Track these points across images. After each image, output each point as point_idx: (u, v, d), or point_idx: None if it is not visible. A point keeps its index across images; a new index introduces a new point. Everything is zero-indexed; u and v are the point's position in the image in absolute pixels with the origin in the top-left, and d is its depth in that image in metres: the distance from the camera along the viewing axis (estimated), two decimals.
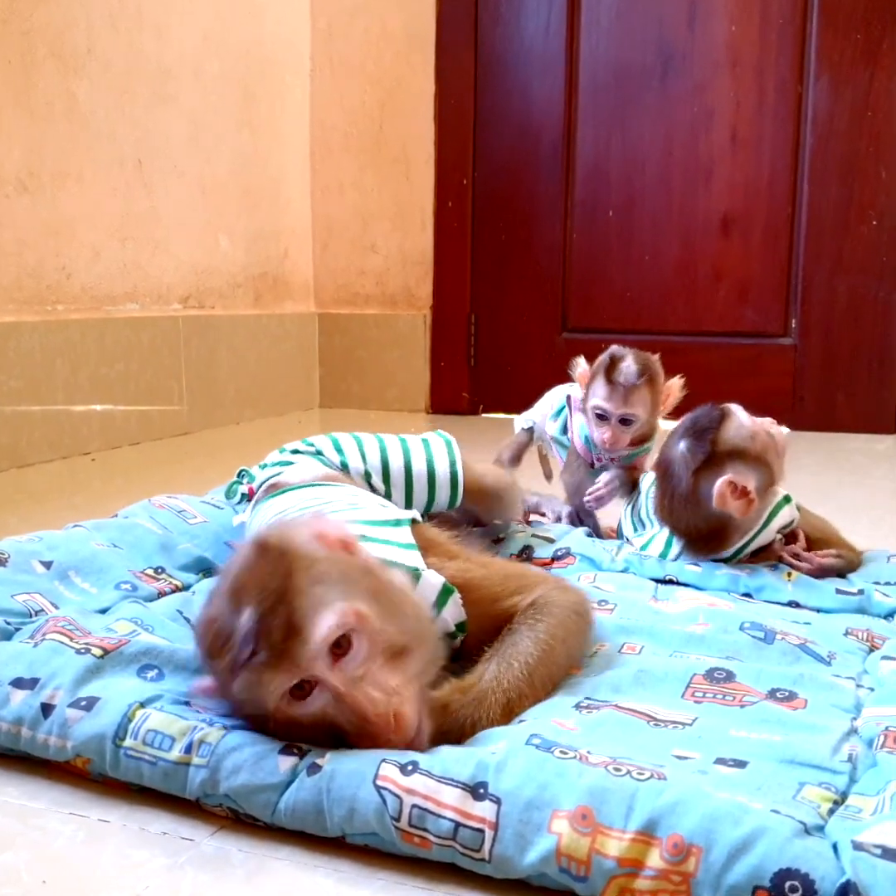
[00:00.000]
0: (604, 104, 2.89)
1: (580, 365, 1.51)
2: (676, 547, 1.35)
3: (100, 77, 2.28)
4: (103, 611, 1.07)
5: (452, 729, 0.83)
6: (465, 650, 0.97)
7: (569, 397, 1.56)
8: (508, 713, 0.86)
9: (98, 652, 0.90)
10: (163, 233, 2.51)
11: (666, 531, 1.37)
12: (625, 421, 1.45)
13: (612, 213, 2.91)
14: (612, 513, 1.53)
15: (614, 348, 1.47)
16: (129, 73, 2.37)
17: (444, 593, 0.94)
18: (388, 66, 3.02)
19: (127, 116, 2.37)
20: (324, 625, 0.76)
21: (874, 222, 2.70)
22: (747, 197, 2.81)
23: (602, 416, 1.45)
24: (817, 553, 1.32)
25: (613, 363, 1.44)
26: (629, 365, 1.43)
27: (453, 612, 0.95)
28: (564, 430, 1.57)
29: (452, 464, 1.35)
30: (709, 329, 2.87)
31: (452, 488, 1.35)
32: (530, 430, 1.64)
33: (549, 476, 1.69)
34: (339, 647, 0.77)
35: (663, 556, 1.36)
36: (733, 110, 2.79)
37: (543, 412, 1.63)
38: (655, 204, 2.87)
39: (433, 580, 0.94)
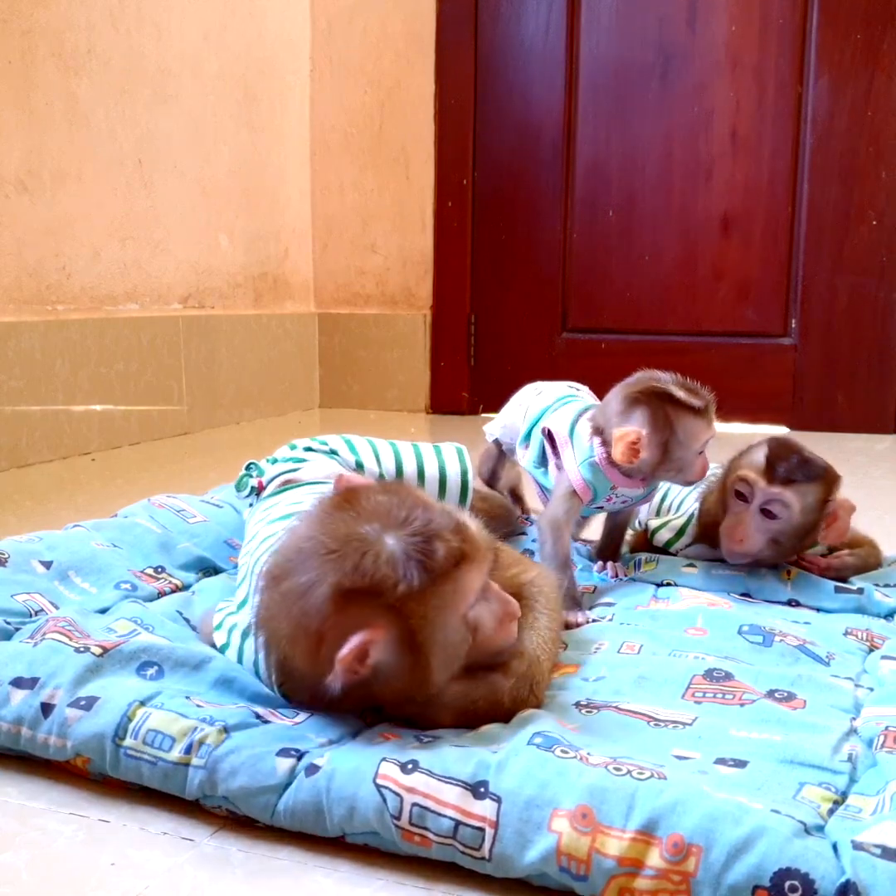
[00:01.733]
0: (604, 104, 2.89)
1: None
2: (688, 537, 1.35)
3: (100, 77, 2.28)
4: (103, 611, 1.07)
5: (521, 688, 0.87)
6: None
7: (548, 432, 1.34)
8: (550, 676, 0.93)
9: (97, 651, 0.90)
10: (163, 232, 2.51)
11: (683, 518, 1.37)
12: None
13: (612, 212, 2.91)
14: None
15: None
16: (130, 73, 2.37)
17: None
18: (388, 67, 3.02)
19: (127, 116, 2.37)
20: (475, 523, 0.83)
21: (874, 222, 2.70)
22: (747, 197, 2.81)
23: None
24: (832, 555, 1.33)
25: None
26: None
27: None
28: (542, 462, 1.35)
29: (464, 472, 1.36)
30: (709, 329, 2.87)
31: (462, 495, 1.35)
32: (498, 442, 1.49)
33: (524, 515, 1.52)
34: None
35: (670, 544, 1.36)
36: (733, 110, 2.79)
37: (509, 424, 1.44)
38: (655, 204, 2.87)
39: None
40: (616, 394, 1.29)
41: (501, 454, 1.50)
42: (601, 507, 1.34)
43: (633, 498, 1.32)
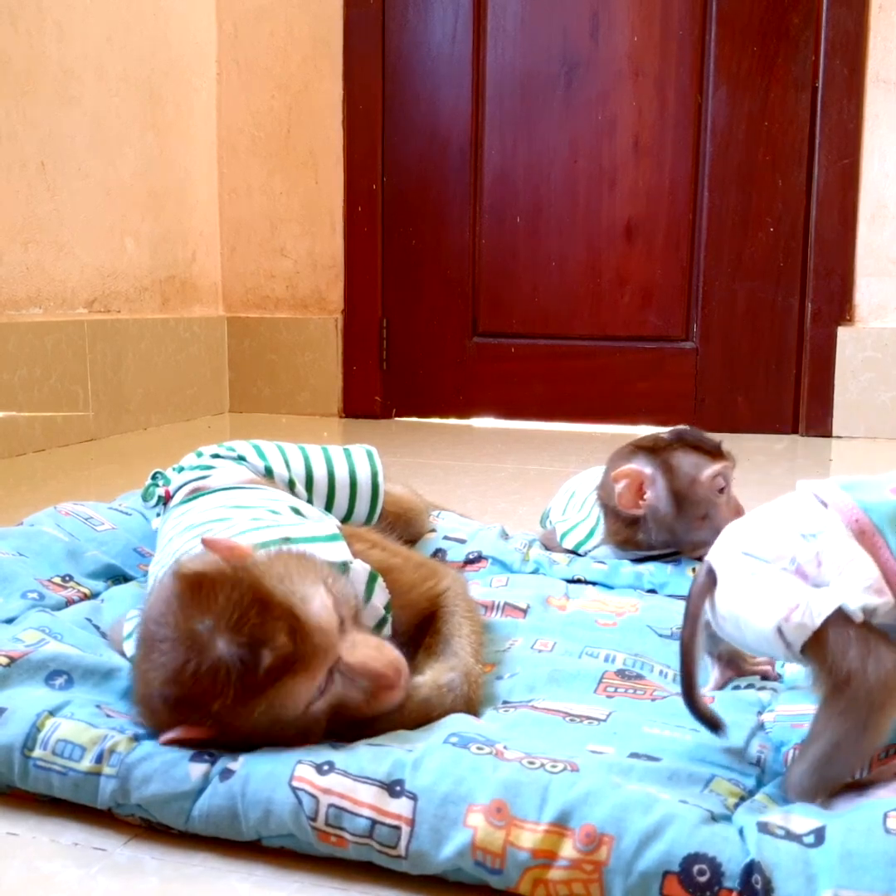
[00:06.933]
0: (510, 111, 2.92)
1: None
2: (596, 538, 1.38)
3: None
4: (9, 620, 1.05)
5: (456, 699, 0.88)
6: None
7: None
8: (483, 679, 0.94)
9: (4, 660, 0.88)
10: (67, 236, 2.46)
11: (590, 521, 1.39)
12: None
13: (520, 219, 2.95)
14: None
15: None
16: (31, 74, 2.32)
17: (372, 580, 0.97)
18: (296, 70, 3.01)
19: (28, 118, 2.32)
20: (323, 612, 0.78)
21: (771, 228, 2.79)
22: (649, 203, 2.87)
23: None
24: None
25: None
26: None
27: (380, 596, 0.98)
28: None
29: (374, 475, 1.36)
30: (613, 333, 2.92)
31: (373, 498, 1.35)
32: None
33: None
34: None
35: (580, 544, 1.39)
36: (636, 118, 2.85)
37: None
38: (561, 210, 2.92)
39: (360, 569, 0.97)
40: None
41: None
42: None
43: None
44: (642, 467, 1.30)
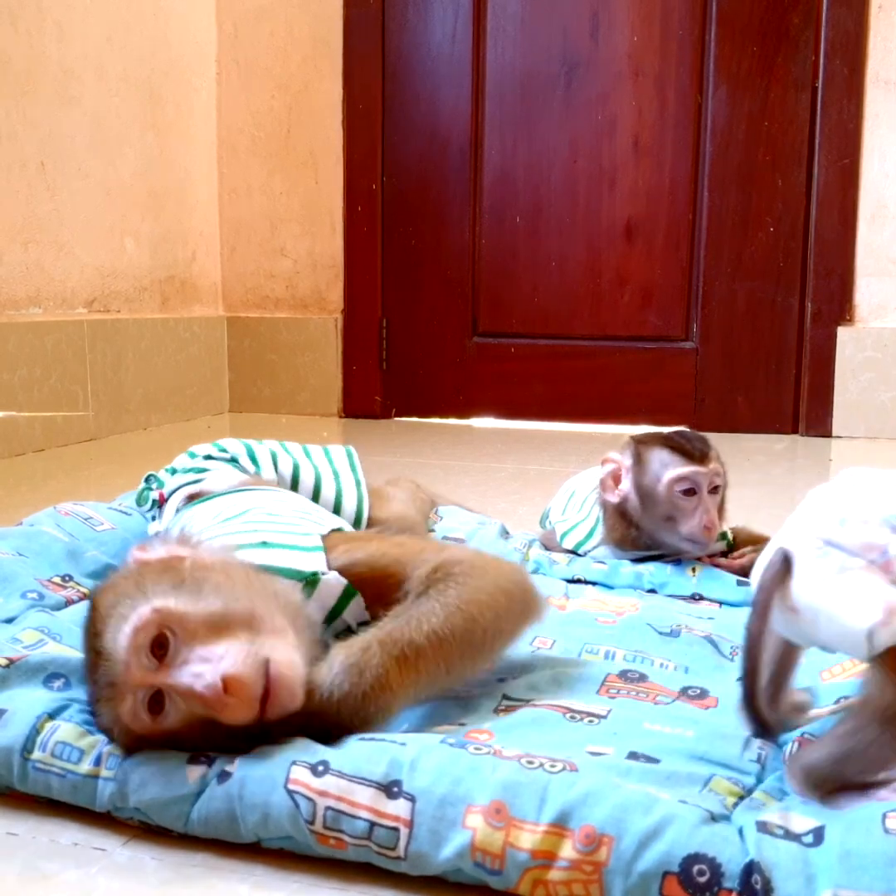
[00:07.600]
0: (510, 111, 2.92)
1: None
2: (596, 538, 1.38)
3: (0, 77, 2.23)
4: (9, 620, 1.05)
5: (343, 713, 0.80)
6: None
7: None
8: (403, 665, 0.81)
9: (3, 662, 0.88)
10: (67, 235, 2.46)
11: (590, 521, 1.39)
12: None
13: (520, 219, 2.95)
14: None
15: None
16: (31, 74, 2.32)
17: (346, 596, 0.94)
18: (296, 70, 3.01)
19: (28, 118, 2.32)
20: (123, 638, 0.77)
21: (771, 228, 2.79)
22: (650, 203, 2.87)
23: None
24: (734, 554, 1.36)
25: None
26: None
27: (355, 612, 0.95)
28: None
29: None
30: (613, 333, 2.92)
31: (358, 503, 1.34)
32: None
33: None
34: (161, 647, 0.78)
35: (580, 544, 1.39)
36: (636, 118, 2.85)
37: None
38: (561, 210, 2.92)
39: (334, 583, 0.94)
40: None
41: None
42: None
43: None
44: (624, 457, 1.31)
